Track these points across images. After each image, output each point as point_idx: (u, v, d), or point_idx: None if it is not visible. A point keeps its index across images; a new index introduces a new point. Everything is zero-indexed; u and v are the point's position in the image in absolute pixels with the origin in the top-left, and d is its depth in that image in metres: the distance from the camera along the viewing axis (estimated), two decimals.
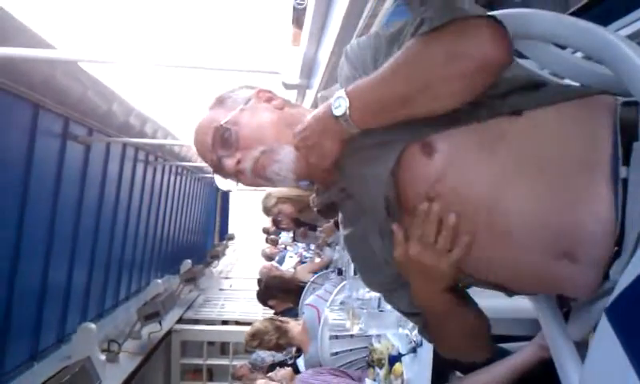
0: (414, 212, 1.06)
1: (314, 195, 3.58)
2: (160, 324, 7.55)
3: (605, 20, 1.76)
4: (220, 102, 1.28)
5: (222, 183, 1.29)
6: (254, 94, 1.28)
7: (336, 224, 4.69)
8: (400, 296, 1.27)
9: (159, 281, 9.40)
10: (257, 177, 1.22)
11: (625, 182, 0.95)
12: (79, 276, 6.69)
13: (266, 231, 11.79)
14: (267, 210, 5.26)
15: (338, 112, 1.04)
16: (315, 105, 3.52)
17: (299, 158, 1.18)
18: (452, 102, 0.99)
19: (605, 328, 0.83)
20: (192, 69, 3.41)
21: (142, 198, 9.16)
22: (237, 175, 1.23)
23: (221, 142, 1.21)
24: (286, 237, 9.54)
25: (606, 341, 0.82)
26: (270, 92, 1.30)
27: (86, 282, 6.98)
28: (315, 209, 3.61)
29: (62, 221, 5.95)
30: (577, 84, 1.18)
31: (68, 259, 6.34)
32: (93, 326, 6.15)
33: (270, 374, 4.22)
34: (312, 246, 6.87)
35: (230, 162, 1.21)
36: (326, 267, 5.67)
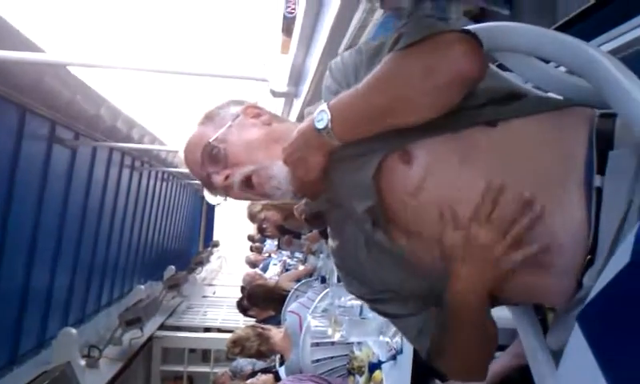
0: (405, 228, 1.09)
1: (300, 204, 3.60)
2: (141, 330, 7.50)
3: (588, 35, 1.79)
4: (208, 118, 1.30)
5: (212, 198, 1.31)
6: (241, 109, 1.30)
7: (320, 233, 4.71)
8: (392, 304, 1.26)
9: (142, 287, 9.35)
10: (249, 192, 1.24)
11: (599, 190, 0.97)
12: (61, 280, 6.66)
13: (250, 238, 11.78)
14: (252, 217, 5.28)
15: (320, 125, 1.06)
16: (302, 116, 3.56)
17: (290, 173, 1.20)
18: (428, 113, 1.01)
19: (576, 334, 0.84)
20: (180, 74, 3.40)
21: (127, 202, 9.13)
22: (225, 190, 1.25)
23: (209, 159, 1.23)
24: (270, 245, 9.54)
25: (577, 347, 0.83)
26: (258, 108, 1.32)
27: (68, 287, 6.95)
28: (303, 218, 3.62)
29: (46, 224, 5.92)
30: (560, 97, 1.20)
31: (51, 263, 6.31)
32: (74, 331, 6.11)
33: (250, 380, 4.22)
34: (296, 254, 6.87)
35: (218, 178, 1.22)
36: (310, 275, 5.68)
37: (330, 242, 1.35)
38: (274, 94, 3.05)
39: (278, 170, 1.20)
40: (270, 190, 1.22)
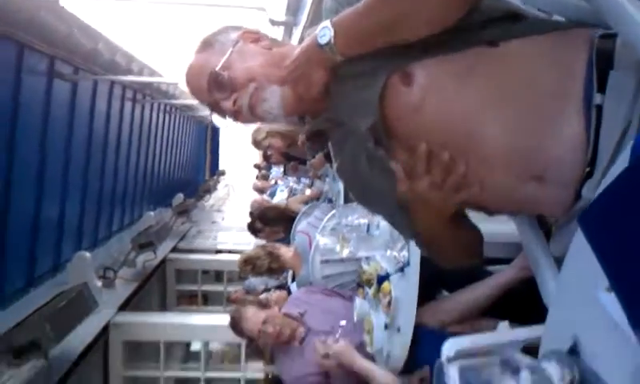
0: (407, 144, 1.10)
1: (304, 129, 3.60)
2: (154, 253, 7.66)
3: None
4: (207, 44, 1.31)
5: (221, 121, 1.37)
6: (240, 35, 1.30)
7: (325, 157, 4.71)
8: (399, 219, 1.31)
9: (152, 213, 9.55)
10: (252, 115, 1.26)
11: (599, 108, 0.99)
12: (72, 209, 6.83)
13: (257, 167, 11.87)
14: (257, 144, 5.29)
15: (323, 41, 1.07)
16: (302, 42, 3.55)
17: (287, 95, 1.22)
18: (430, 28, 1.04)
19: (578, 237, 0.87)
20: (177, 4, 3.41)
21: (131, 134, 9.21)
22: (235, 115, 1.27)
23: (216, 86, 1.24)
24: (276, 172, 9.49)
25: (579, 248, 0.87)
26: (256, 32, 1.33)
27: (78, 214, 7.13)
28: (304, 138, 3.62)
29: (52, 157, 6.04)
30: (561, 18, 1.20)
31: (60, 193, 6.46)
32: (88, 254, 6.29)
33: (264, 294, 4.30)
34: (302, 180, 6.87)
35: (227, 104, 1.24)
36: (317, 199, 5.73)
37: (334, 161, 1.38)
38: (273, 23, 3.03)
39: (271, 93, 1.22)
40: (262, 113, 1.25)
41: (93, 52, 6.33)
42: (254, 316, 3.12)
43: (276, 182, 9.01)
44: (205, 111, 10.81)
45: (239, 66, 1.23)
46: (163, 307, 8.63)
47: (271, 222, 5.37)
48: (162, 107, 11.05)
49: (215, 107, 1.28)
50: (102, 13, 5.93)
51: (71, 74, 6.21)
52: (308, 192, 6.37)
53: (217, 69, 1.23)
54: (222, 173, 18.87)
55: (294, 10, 2.87)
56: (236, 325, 3.22)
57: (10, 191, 5.14)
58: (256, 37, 1.31)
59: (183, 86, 9.84)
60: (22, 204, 5.50)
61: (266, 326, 3.04)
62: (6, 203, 5.11)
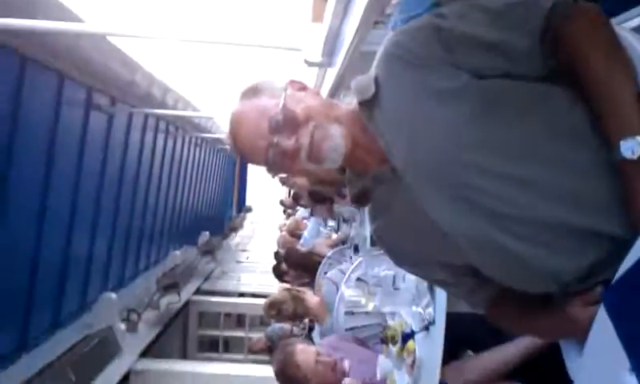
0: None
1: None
2: (179, 295, 7.64)
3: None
4: (257, 91, 1.30)
5: (271, 175, 1.35)
6: (288, 83, 1.30)
7: (356, 199, 4.69)
8: (465, 288, 1.34)
9: (177, 252, 9.46)
10: (312, 158, 1.23)
11: None
12: (101, 245, 6.76)
13: (282, 204, 11.81)
14: (283, 181, 5.31)
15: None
16: (337, 84, 3.46)
17: (347, 136, 1.22)
18: None
19: (601, 313, 0.89)
20: (214, 44, 3.36)
21: (162, 168, 9.21)
22: (294, 157, 1.24)
23: (277, 127, 1.22)
24: (302, 212, 9.55)
25: (602, 324, 0.88)
26: (301, 82, 1.33)
27: (107, 251, 7.06)
28: (350, 200, 3.57)
29: (85, 190, 6.00)
30: None
31: (90, 228, 6.41)
32: (114, 295, 6.25)
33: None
34: (329, 222, 6.84)
35: (289, 143, 1.22)
36: (343, 243, 5.66)
37: (372, 223, 1.37)
38: (308, 63, 2.99)
39: (335, 131, 1.21)
40: (327, 151, 1.22)
41: (130, 84, 6.30)
42: (305, 350, 2.98)
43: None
44: None
45: (297, 105, 1.23)
46: (184, 352, 8.55)
47: (297, 265, 5.37)
48: (193, 140, 11.07)
49: (266, 156, 1.24)
50: (142, 44, 5.72)
51: (108, 105, 6.15)
52: (334, 236, 6.29)
53: (280, 106, 1.22)
54: (249, 209, 18.77)
55: (329, 51, 2.88)
56: (287, 364, 2.97)
57: (43, 227, 5.10)
58: (302, 85, 1.32)
59: (219, 121, 9.79)
60: (54, 240, 5.46)
61: (322, 358, 2.92)
62: (39, 240, 5.07)
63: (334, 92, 3.26)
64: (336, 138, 1.21)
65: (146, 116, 7.65)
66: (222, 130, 10.42)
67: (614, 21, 1.71)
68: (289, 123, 1.22)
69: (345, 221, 5.97)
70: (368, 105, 1.21)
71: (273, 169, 1.29)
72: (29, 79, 4.43)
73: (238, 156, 1.34)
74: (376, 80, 1.20)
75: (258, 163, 1.29)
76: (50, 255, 5.40)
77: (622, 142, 0.97)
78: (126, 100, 6.63)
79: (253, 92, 1.30)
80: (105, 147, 6.43)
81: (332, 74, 3.16)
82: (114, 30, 3.69)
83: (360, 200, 1.36)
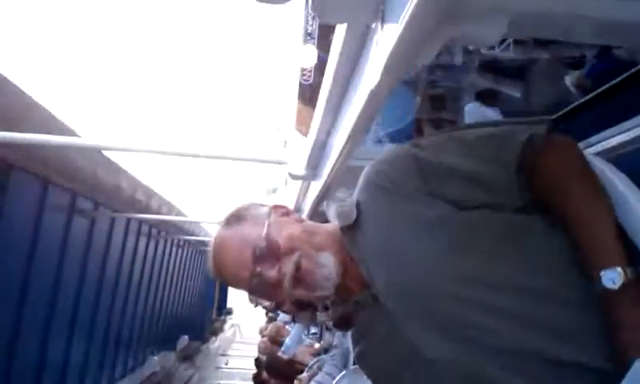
0: None
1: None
2: None
3: (587, 128, 1.85)
4: (239, 218, 1.30)
5: (256, 302, 1.33)
6: (270, 208, 1.31)
7: (338, 324, 4.69)
8: None
9: (155, 358, 9.21)
10: (298, 285, 1.22)
11: None
12: (77, 352, 6.60)
13: (264, 307, 11.62)
14: (266, 308, 5.24)
15: None
16: (322, 195, 3.51)
17: (338, 264, 1.22)
18: None
19: None
20: (200, 158, 3.42)
21: (142, 271, 9.12)
22: (276, 287, 1.23)
23: (261, 256, 1.22)
24: (284, 316, 9.39)
25: None
26: (284, 207, 1.34)
27: (83, 359, 6.89)
28: (332, 324, 3.57)
29: (64, 296, 5.92)
30: None
31: (67, 334, 6.27)
32: None
33: None
34: (312, 330, 6.76)
35: (272, 273, 1.21)
36: (325, 351, 5.59)
37: (354, 347, 1.36)
38: (292, 176, 3.04)
39: (325, 258, 1.21)
40: (321, 279, 1.21)
41: (115, 188, 6.32)
42: None
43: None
44: None
45: (280, 234, 1.23)
46: None
47: (278, 374, 5.31)
48: (175, 242, 10.95)
49: (254, 282, 1.23)
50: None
51: (91, 210, 6.18)
52: (317, 345, 6.12)
53: (263, 235, 1.22)
54: (230, 311, 18.44)
55: (313, 165, 2.93)
56: None
57: (18, 330, 5.00)
58: (285, 210, 1.32)
59: (203, 224, 9.72)
60: (31, 346, 5.38)
61: None
62: (14, 345, 4.97)
63: (319, 203, 3.31)
64: (329, 267, 1.21)
65: (129, 219, 7.64)
66: (205, 232, 10.41)
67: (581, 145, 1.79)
68: (272, 253, 1.21)
69: (328, 329, 5.87)
70: (350, 230, 1.23)
71: (256, 296, 1.28)
72: (12, 184, 4.45)
73: (219, 282, 1.32)
74: (358, 205, 1.23)
75: (241, 289, 1.28)
76: (24, 360, 5.26)
77: (602, 272, 0.98)
78: (110, 204, 6.63)
79: (236, 219, 1.30)
80: (86, 251, 6.38)
81: (317, 185, 3.19)
82: (103, 143, 3.74)
83: (342, 324, 1.35)
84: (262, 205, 1.34)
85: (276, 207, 1.32)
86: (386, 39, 1.00)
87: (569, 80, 2.30)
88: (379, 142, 2.96)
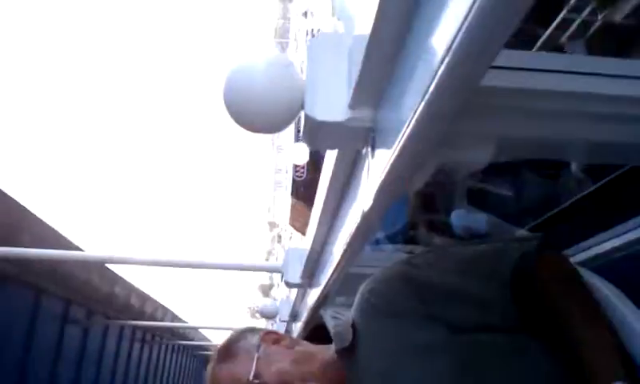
0: None
1: None
2: None
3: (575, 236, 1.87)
4: (230, 354, 1.27)
5: None
6: (261, 337, 1.27)
7: None
8: None
9: None
10: None
11: None
12: None
13: None
14: None
15: None
16: (319, 302, 3.46)
17: None
18: None
19: None
20: (199, 268, 3.40)
21: (137, 377, 8.89)
22: None
23: None
24: None
25: None
26: (275, 333, 1.32)
27: None
28: None
29: None
30: None
31: None
32: None
33: None
34: None
35: None
36: None
37: None
38: (289, 285, 3.02)
39: None
40: None
41: (108, 295, 6.25)
42: None
43: None
44: (210, 347, 10.65)
45: (269, 370, 1.18)
46: None
47: None
48: (169, 346, 10.73)
49: None
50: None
51: (84, 319, 6.10)
52: None
53: (250, 378, 1.16)
54: None
55: (310, 273, 2.79)
56: None
57: None
58: (276, 337, 1.27)
59: (203, 332, 9.59)
60: None
61: None
62: None
63: (316, 309, 3.26)
64: None
65: (123, 325, 7.53)
66: (200, 336, 10.24)
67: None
68: None
69: None
70: (346, 352, 1.22)
71: None
72: (5, 294, 4.42)
73: None
74: (354, 325, 1.22)
75: None
76: None
77: None
78: (104, 311, 6.57)
79: (227, 354, 1.26)
80: (79, 359, 6.27)
81: (315, 293, 3.17)
82: (98, 256, 3.72)
83: None
84: (252, 332, 1.28)
85: (266, 336, 1.26)
86: (377, 166, 1.01)
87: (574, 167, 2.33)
88: (377, 243, 2.96)
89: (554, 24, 2.80)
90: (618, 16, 2.69)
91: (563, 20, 2.81)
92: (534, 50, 2.69)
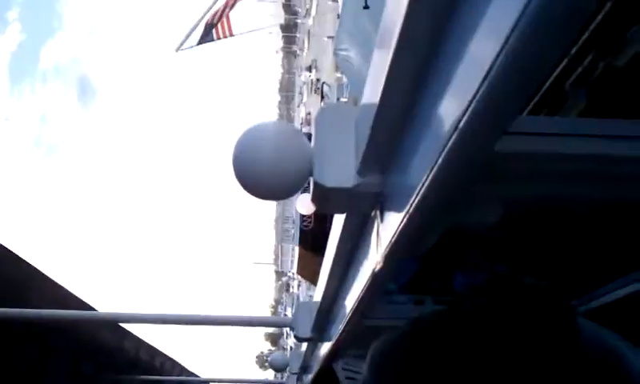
0: None
1: None
2: None
3: None
4: None
5: None
6: None
7: None
8: None
9: None
10: None
11: None
12: None
13: None
14: None
15: None
16: (331, 356, 3.44)
17: None
18: None
19: None
20: (208, 325, 3.41)
21: None
22: None
23: None
24: None
25: None
26: None
27: None
28: None
29: None
30: None
31: None
32: None
33: None
34: None
35: None
36: None
37: None
38: (299, 339, 3.02)
39: None
40: None
41: (117, 350, 6.16)
42: None
43: None
44: None
45: None
46: None
47: None
48: None
49: None
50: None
51: (93, 373, 5.97)
52: None
53: None
54: None
55: (320, 327, 2.94)
56: None
57: None
58: None
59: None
60: None
61: None
62: None
63: (328, 362, 3.25)
64: None
65: (132, 381, 7.44)
66: None
67: None
68: None
69: None
70: None
71: None
72: (12, 349, 4.38)
73: None
74: None
75: None
76: None
77: None
78: (113, 366, 6.49)
79: None
80: None
81: (326, 346, 3.16)
82: (109, 315, 3.75)
83: None
84: None
85: None
86: (386, 228, 1.02)
87: None
88: (389, 294, 2.95)
89: (557, 72, 2.83)
90: (620, 62, 2.73)
91: (565, 68, 2.83)
92: (535, 99, 2.72)
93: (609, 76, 2.71)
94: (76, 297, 4.53)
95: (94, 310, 4.54)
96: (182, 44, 12.99)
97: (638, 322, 1.48)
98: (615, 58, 2.66)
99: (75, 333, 5.12)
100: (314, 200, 1.02)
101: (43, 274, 3.97)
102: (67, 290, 4.34)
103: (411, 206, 0.85)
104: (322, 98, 20.84)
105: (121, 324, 5.91)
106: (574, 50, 2.69)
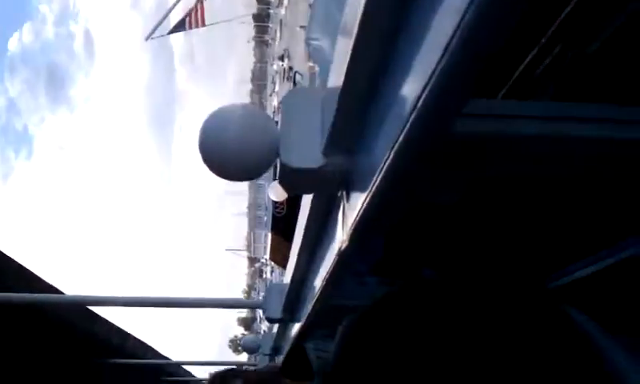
0: None
1: None
2: None
3: None
4: None
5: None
6: (244, 382, 1.32)
7: None
8: None
9: None
10: None
11: None
12: None
13: None
14: None
15: None
16: (301, 336, 3.45)
17: None
18: None
19: None
20: (180, 307, 3.40)
21: None
22: None
23: None
24: None
25: None
26: (256, 373, 1.36)
27: None
28: None
29: None
30: None
31: None
32: None
33: None
34: None
35: None
36: None
37: None
38: (270, 320, 3.04)
39: None
40: None
41: (87, 334, 6.15)
42: None
43: None
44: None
45: None
46: None
47: None
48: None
49: None
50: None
51: (63, 357, 5.92)
52: None
53: None
54: None
55: (290, 308, 2.95)
56: None
57: None
58: (258, 379, 1.41)
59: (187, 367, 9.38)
60: None
61: None
62: None
63: (298, 342, 3.27)
64: None
65: (102, 365, 7.38)
66: (183, 372, 10.06)
67: None
68: None
69: None
70: None
71: None
72: None
73: None
74: None
75: None
76: None
77: None
78: (84, 350, 6.44)
79: None
80: None
81: (296, 327, 3.17)
82: (79, 298, 3.71)
83: None
84: (235, 377, 1.31)
85: (248, 378, 1.30)
86: (351, 207, 1.03)
87: None
88: (360, 275, 2.96)
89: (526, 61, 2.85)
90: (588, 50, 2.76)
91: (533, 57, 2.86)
92: (506, 86, 2.74)
93: (577, 64, 2.75)
94: (44, 280, 4.48)
95: (62, 293, 4.50)
96: (152, 32, 12.83)
97: (606, 299, 1.51)
98: (584, 47, 2.70)
99: (44, 316, 5.07)
100: (281, 181, 1.04)
101: (10, 257, 3.92)
102: (35, 274, 4.29)
103: (374, 184, 0.86)
104: (295, 86, 20.91)
105: (91, 307, 5.87)
106: (543, 40, 2.73)
